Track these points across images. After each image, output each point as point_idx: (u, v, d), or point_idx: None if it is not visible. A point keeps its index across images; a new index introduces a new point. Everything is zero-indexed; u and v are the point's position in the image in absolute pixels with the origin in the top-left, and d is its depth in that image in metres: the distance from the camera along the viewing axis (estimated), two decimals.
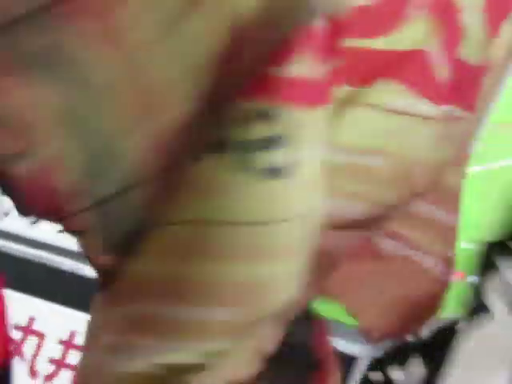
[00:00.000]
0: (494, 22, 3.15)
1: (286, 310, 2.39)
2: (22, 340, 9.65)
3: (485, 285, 5.65)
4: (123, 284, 2.33)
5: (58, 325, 9.25)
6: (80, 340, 8.89)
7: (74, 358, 9.22)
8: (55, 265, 9.74)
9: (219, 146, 2.26)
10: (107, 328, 2.33)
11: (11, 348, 7.87)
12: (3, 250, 10.00)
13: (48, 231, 9.61)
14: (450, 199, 3.50)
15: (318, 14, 2.33)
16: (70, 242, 3.30)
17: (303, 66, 2.35)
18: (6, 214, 11.15)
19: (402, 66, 2.90)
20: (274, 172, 2.24)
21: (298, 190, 2.30)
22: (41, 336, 9.14)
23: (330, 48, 2.50)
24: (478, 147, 7.86)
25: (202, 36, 2.17)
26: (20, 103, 2.15)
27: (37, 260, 9.83)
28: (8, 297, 6.86)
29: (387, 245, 3.42)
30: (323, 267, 2.74)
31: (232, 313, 2.27)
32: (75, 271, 8.95)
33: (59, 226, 2.51)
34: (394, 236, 3.36)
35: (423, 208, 3.35)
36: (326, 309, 6.09)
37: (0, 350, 3.05)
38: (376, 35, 2.76)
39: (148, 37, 2.16)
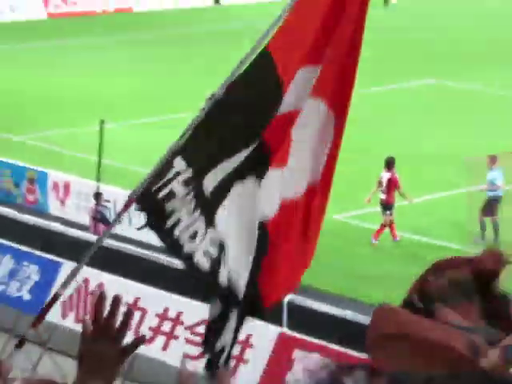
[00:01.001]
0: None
1: None
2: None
3: None
4: None
5: (157, 303, 16.57)
6: (172, 314, 16.46)
7: (167, 327, 16.48)
8: (156, 260, 17.49)
9: None
10: None
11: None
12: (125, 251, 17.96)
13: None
14: None
15: None
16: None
17: None
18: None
19: None
20: None
21: None
22: (144, 310, 16.56)
23: None
24: None
25: None
26: None
27: (146, 257, 17.66)
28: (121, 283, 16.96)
29: None
30: None
31: None
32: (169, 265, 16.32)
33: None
34: None
35: None
36: None
37: None
38: None
39: None
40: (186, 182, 5.98)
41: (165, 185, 5.91)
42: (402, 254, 21.25)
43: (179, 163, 5.97)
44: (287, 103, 6.01)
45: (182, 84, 34.99)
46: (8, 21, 48.99)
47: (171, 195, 5.92)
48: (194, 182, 6.01)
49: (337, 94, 6.27)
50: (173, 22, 50.11)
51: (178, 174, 5.95)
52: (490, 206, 21.56)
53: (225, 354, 6.27)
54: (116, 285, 17.42)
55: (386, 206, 21.67)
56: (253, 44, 6.13)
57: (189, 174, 5.98)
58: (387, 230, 21.87)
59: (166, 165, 5.94)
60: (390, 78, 35.88)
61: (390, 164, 21.74)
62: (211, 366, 6.27)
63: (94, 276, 17.85)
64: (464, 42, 42.70)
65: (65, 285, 6.32)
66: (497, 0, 52.91)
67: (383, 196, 21.65)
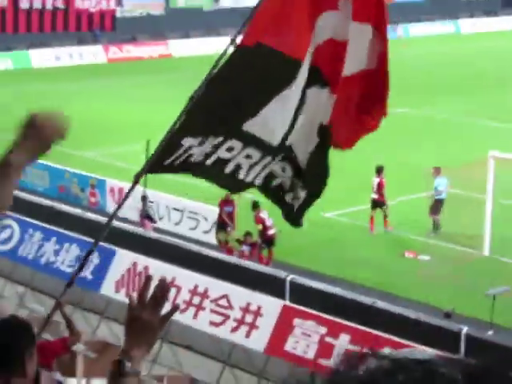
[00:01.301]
0: None
1: None
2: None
3: None
4: None
5: (189, 282, 17.47)
6: (200, 290, 17.37)
7: (197, 300, 17.26)
8: (189, 248, 18.23)
9: None
10: None
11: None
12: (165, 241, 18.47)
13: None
14: None
15: None
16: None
17: None
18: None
19: None
20: None
21: None
22: (178, 287, 17.47)
23: None
24: None
25: None
26: None
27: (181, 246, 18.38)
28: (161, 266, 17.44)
29: None
30: None
31: None
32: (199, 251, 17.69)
33: None
34: None
35: None
36: None
37: None
38: None
39: None
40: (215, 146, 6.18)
41: (178, 157, 6.05)
42: (378, 243, 21.64)
43: (187, 141, 6.04)
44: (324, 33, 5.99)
45: None
46: (76, 64, 50.18)
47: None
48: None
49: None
50: (207, 63, 48.57)
51: (189, 148, 6.02)
52: (436, 207, 21.91)
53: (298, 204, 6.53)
54: (157, 267, 17.74)
55: (378, 203, 22.17)
56: None
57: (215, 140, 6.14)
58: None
59: (173, 145, 6.06)
60: None
61: (379, 170, 22.30)
62: (290, 216, 6.71)
63: (141, 260, 18.33)
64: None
65: (86, 259, 6.60)
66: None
67: (375, 196, 22.14)
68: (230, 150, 6.24)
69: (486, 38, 52.29)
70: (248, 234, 20.33)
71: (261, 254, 20.34)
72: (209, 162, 6.24)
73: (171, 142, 6.00)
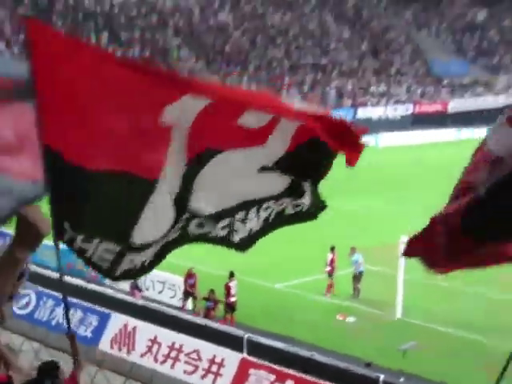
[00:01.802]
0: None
1: None
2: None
3: None
4: None
5: (168, 339, 17.44)
6: (177, 345, 17.28)
7: (174, 354, 17.40)
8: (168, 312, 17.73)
9: None
10: None
11: None
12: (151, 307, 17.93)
13: None
14: None
15: None
16: None
17: None
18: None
19: None
20: None
21: None
22: (159, 344, 17.41)
23: None
24: None
25: None
26: None
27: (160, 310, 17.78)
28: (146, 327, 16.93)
29: None
30: None
31: None
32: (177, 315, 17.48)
33: None
34: None
35: None
36: None
37: None
38: None
39: None
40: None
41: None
42: (319, 307, 21.48)
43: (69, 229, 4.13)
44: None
45: None
46: None
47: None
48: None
49: None
50: None
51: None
52: (357, 278, 22.00)
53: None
54: (143, 327, 17.92)
55: (330, 274, 22.24)
56: None
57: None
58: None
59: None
60: None
61: (332, 249, 22.34)
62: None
63: (131, 322, 18.16)
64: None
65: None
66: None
67: (328, 268, 22.21)
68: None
69: (399, 150, 52.72)
70: (212, 291, 20.23)
71: (226, 316, 20.17)
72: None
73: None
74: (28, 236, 2.78)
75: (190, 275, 20.98)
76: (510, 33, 78.51)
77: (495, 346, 17.22)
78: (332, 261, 22.32)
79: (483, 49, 76.42)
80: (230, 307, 20.11)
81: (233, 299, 20.08)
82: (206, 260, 20.95)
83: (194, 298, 21.17)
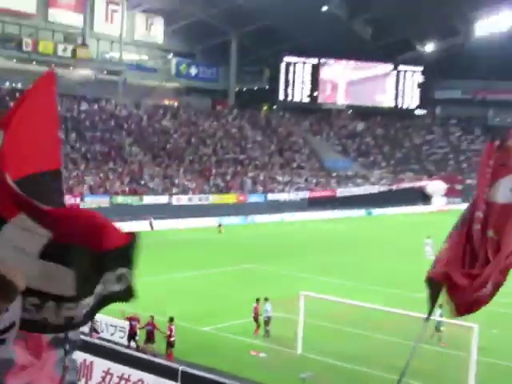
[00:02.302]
0: None
1: None
2: None
3: None
4: None
5: (119, 371, 16.97)
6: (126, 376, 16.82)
7: (123, 383, 16.90)
8: (115, 348, 17.15)
9: None
10: None
11: None
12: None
13: None
14: None
15: None
16: None
17: None
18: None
19: None
20: None
21: None
22: (111, 374, 16.90)
23: None
24: None
25: None
26: None
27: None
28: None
29: None
30: None
31: None
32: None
33: None
34: None
35: None
36: None
37: None
38: None
39: None
40: None
41: None
42: (237, 346, 20.95)
43: None
44: None
45: None
46: None
47: None
48: None
49: None
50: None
51: None
52: (266, 322, 21.69)
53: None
54: (98, 362, 17.22)
55: (256, 319, 21.82)
56: None
57: None
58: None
59: None
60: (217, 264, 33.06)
61: (257, 300, 22.03)
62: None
63: (88, 358, 17.22)
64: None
65: None
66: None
67: (253, 315, 21.88)
68: None
69: (300, 224, 52.72)
70: (151, 317, 19.88)
71: (167, 351, 19.58)
72: None
73: None
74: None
75: (132, 318, 20.27)
76: (381, 139, 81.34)
77: (379, 375, 17.72)
78: (256, 309, 22.02)
79: (361, 151, 78.61)
80: (170, 345, 19.64)
81: (172, 339, 19.69)
82: (150, 307, 20.45)
83: (135, 338, 20.40)
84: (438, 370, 17.43)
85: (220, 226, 45.92)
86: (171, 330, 19.59)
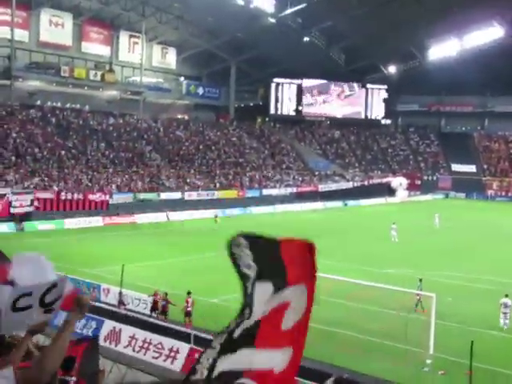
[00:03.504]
0: None
1: None
2: None
3: None
4: None
5: (143, 336, 16.71)
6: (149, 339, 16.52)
7: (146, 345, 16.63)
8: (141, 317, 16.91)
9: None
10: None
11: None
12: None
13: None
14: None
15: None
16: None
17: None
18: None
19: None
20: None
21: None
22: (136, 339, 16.65)
23: None
24: None
25: None
26: None
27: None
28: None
29: None
30: None
31: None
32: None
33: None
34: None
35: None
36: None
37: None
38: None
39: None
40: None
41: None
42: None
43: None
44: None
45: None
46: (85, 227, 41.44)
47: None
48: None
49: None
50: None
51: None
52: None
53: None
54: (126, 329, 16.97)
55: None
56: None
57: None
58: None
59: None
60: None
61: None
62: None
63: (117, 325, 17.06)
64: None
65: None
66: None
67: None
68: None
69: (288, 213, 52.28)
70: (165, 294, 19.56)
71: (185, 320, 18.93)
72: None
73: None
74: (80, 311, 2.50)
75: (155, 294, 20.06)
76: (354, 144, 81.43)
77: (353, 335, 17.19)
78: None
79: (338, 154, 78.54)
80: (188, 314, 19.09)
81: (189, 309, 19.13)
82: (177, 284, 19.99)
83: (157, 310, 19.98)
84: (405, 331, 17.18)
85: (216, 217, 44.39)
86: (188, 302, 19.06)
